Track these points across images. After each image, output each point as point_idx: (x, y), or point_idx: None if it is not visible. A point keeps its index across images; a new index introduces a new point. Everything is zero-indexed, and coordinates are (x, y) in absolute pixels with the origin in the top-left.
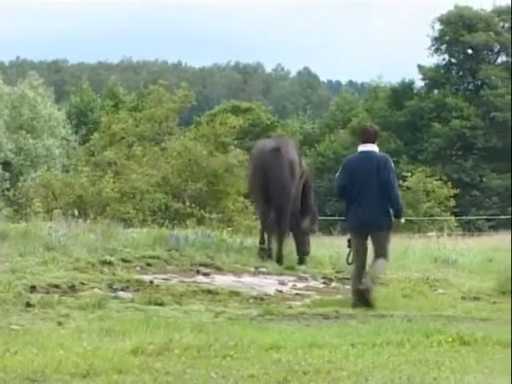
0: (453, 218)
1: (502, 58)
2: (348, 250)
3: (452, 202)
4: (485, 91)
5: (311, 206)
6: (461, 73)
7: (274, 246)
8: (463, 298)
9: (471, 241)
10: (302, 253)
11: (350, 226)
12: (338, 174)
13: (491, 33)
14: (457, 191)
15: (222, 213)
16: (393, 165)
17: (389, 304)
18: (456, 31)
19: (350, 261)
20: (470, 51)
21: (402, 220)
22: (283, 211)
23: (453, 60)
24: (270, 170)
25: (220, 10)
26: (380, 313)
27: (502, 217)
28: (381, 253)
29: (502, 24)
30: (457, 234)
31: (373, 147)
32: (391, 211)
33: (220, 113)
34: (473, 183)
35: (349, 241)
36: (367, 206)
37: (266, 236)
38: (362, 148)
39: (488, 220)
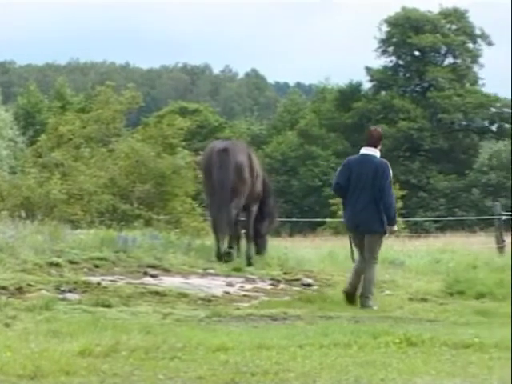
0: (400, 219)
1: (448, 60)
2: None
3: (399, 204)
4: (432, 93)
5: (270, 209)
6: (408, 74)
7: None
8: (410, 299)
9: (418, 242)
10: (258, 253)
11: (347, 225)
12: (337, 171)
13: (438, 35)
14: (404, 193)
15: (170, 214)
16: (391, 172)
17: (336, 305)
18: (403, 33)
19: (354, 258)
20: (417, 53)
21: (395, 227)
22: (228, 212)
23: (400, 62)
24: (216, 171)
25: (168, 11)
26: (327, 314)
27: (449, 218)
28: (372, 254)
29: (448, 26)
30: (404, 235)
31: (374, 151)
32: (384, 217)
33: (168, 114)
34: (420, 185)
35: (350, 238)
36: (361, 209)
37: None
38: (363, 151)
39: (435, 221)
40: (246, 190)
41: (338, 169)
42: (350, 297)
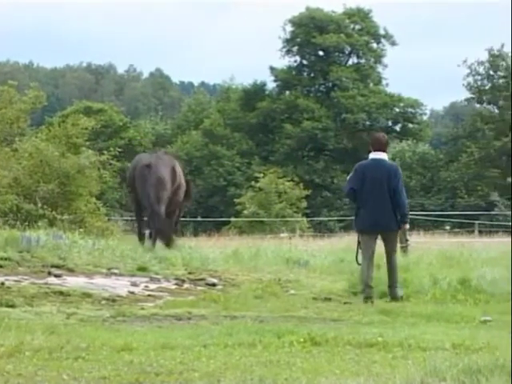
0: (304, 219)
1: (352, 60)
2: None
3: (304, 203)
4: (336, 93)
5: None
6: (312, 74)
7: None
8: (315, 298)
9: (323, 242)
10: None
11: (361, 227)
12: (349, 176)
13: (342, 35)
14: (308, 192)
15: (74, 214)
16: (401, 173)
17: (240, 305)
18: (307, 33)
19: (359, 261)
20: (321, 53)
21: (407, 225)
22: (153, 220)
23: (304, 62)
24: (140, 184)
25: (72, 11)
26: (232, 314)
27: (352, 218)
28: (392, 249)
29: (352, 26)
30: (308, 234)
31: (383, 155)
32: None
33: (72, 114)
34: (324, 184)
35: (359, 242)
36: (378, 210)
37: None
38: (373, 155)
39: (339, 221)
40: (166, 199)
41: (350, 174)
42: (371, 297)
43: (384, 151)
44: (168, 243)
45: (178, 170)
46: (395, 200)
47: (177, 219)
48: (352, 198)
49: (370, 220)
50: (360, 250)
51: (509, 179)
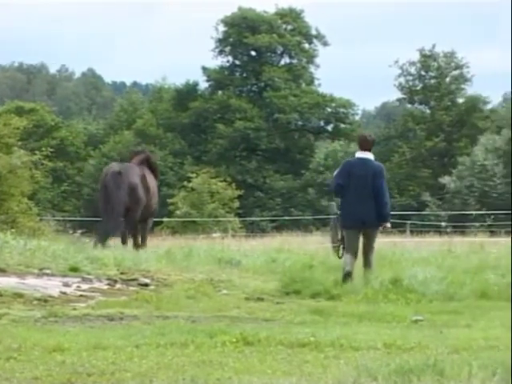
0: (237, 219)
1: (285, 60)
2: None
3: (236, 204)
4: (268, 93)
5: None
6: (244, 74)
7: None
8: (247, 298)
9: (255, 242)
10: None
11: (345, 223)
12: (335, 173)
13: (274, 35)
14: (241, 192)
15: (6, 214)
16: (385, 173)
17: (173, 305)
18: (239, 33)
19: (341, 255)
20: (253, 53)
21: (388, 224)
22: (124, 224)
23: (236, 62)
24: (111, 191)
25: (2, 10)
26: (164, 314)
27: (286, 218)
28: (370, 245)
29: (284, 26)
30: (241, 235)
31: (369, 155)
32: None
33: (4, 113)
34: (256, 184)
35: (342, 238)
36: (362, 208)
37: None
38: (360, 154)
39: (271, 221)
40: (139, 207)
41: (337, 170)
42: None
43: (369, 150)
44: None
45: (150, 178)
46: (378, 199)
47: (148, 229)
48: (339, 193)
49: (354, 217)
50: (342, 246)
51: (440, 179)
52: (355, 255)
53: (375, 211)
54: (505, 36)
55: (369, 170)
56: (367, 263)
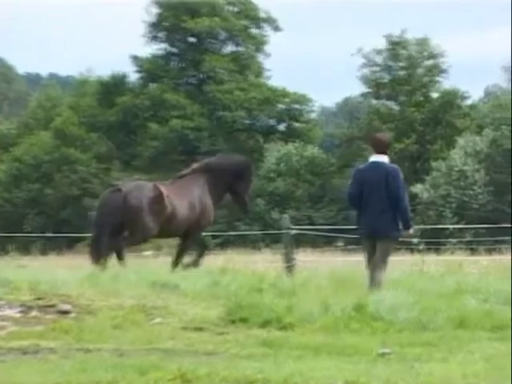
0: None
1: (229, 48)
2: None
3: None
4: (210, 86)
5: None
6: (182, 64)
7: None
8: (185, 328)
9: None
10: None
11: (361, 233)
12: (350, 182)
13: (217, 18)
14: None
15: None
16: (402, 176)
17: (96, 336)
18: (176, 16)
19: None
20: (192, 39)
21: (411, 231)
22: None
23: (173, 50)
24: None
25: None
26: (86, 346)
27: (231, 233)
28: (383, 259)
29: (228, 8)
30: None
31: (383, 158)
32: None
33: None
34: None
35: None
36: (376, 215)
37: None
38: (373, 158)
39: (214, 237)
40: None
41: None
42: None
43: (385, 153)
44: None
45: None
46: (395, 205)
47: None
48: (353, 203)
49: (368, 226)
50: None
51: (412, 188)
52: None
53: (392, 219)
54: (488, 19)
55: (382, 174)
56: (374, 282)
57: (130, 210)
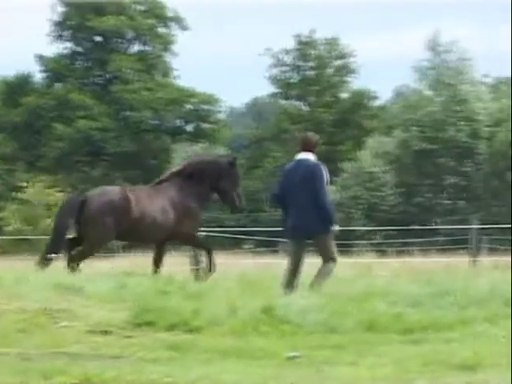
0: None
1: (136, 47)
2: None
3: None
4: (116, 86)
5: None
6: (88, 64)
7: None
8: (90, 331)
9: (101, 263)
10: None
11: (286, 233)
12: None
13: (123, 17)
14: None
15: None
16: (324, 172)
17: (1, 340)
18: (81, 15)
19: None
20: (98, 38)
21: (336, 227)
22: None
23: (78, 49)
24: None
25: None
26: None
27: None
28: (327, 256)
29: (135, 7)
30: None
31: (308, 155)
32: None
33: None
34: None
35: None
36: (301, 214)
37: None
38: (298, 156)
39: None
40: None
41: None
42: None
43: (311, 152)
44: None
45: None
46: (317, 202)
47: None
48: (277, 204)
49: (293, 225)
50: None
51: None
52: (294, 272)
53: (317, 216)
54: (398, 20)
55: (306, 171)
56: (316, 280)
57: (88, 211)
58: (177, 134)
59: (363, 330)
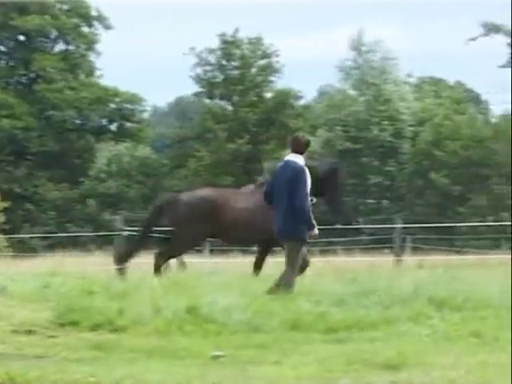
0: (2, 236)
1: (60, 47)
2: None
3: (1, 218)
4: (40, 85)
5: None
6: (11, 63)
7: None
8: (14, 331)
9: (25, 263)
10: None
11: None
12: None
13: (47, 16)
14: (7, 204)
15: None
16: (305, 175)
17: None
18: (4, 13)
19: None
20: (21, 38)
21: (315, 231)
22: None
23: (2, 48)
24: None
25: None
26: None
27: (61, 234)
28: (291, 265)
29: (59, 6)
30: (7, 255)
31: (296, 157)
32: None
33: None
34: (26, 195)
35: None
36: (281, 216)
37: None
38: (286, 157)
39: (44, 238)
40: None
41: None
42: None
43: (301, 153)
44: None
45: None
46: (294, 205)
47: None
48: (267, 202)
49: (277, 228)
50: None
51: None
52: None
53: (295, 220)
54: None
55: (288, 173)
56: (276, 286)
57: (180, 211)
58: (100, 133)
59: (287, 329)
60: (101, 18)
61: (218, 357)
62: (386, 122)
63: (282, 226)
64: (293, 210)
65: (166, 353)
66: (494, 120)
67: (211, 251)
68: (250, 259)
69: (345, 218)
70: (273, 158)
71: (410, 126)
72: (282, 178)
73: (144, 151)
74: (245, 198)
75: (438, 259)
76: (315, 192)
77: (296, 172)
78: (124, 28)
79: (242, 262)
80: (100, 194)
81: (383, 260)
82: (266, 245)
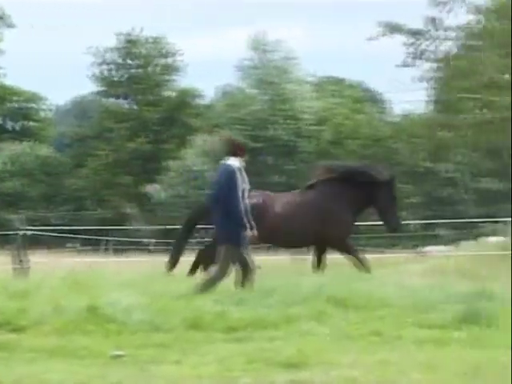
0: None
1: None
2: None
3: None
4: None
5: None
6: None
7: None
8: None
9: None
10: None
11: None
12: None
13: None
14: None
15: None
16: (236, 177)
17: None
18: None
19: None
20: None
21: (254, 232)
22: None
23: None
24: None
25: None
26: None
27: None
28: (221, 267)
29: None
30: None
31: (231, 160)
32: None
33: None
34: None
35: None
36: (218, 219)
37: None
38: (224, 160)
39: None
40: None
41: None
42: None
43: (235, 156)
44: None
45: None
46: (228, 209)
47: None
48: (210, 205)
49: (216, 231)
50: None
51: (145, 188)
52: (244, 273)
53: (228, 223)
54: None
55: (221, 176)
56: (202, 286)
57: None
58: (1, 132)
59: (187, 328)
60: (4, 17)
61: (118, 356)
62: (286, 121)
63: (219, 230)
64: (228, 213)
65: (67, 352)
66: (395, 119)
67: (112, 250)
68: (153, 258)
69: (398, 226)
70: (172, 158)
71: (311, 125)
72: (216, 182)
73: (45, 150)
74: (294, 201)
75: (338, 258)
76: (367, 201)
77: (227, 175)
78: (26, 26)
79: (144, 260)
80: (0, 194)
81: (283, 259)
82: (321, 247)
